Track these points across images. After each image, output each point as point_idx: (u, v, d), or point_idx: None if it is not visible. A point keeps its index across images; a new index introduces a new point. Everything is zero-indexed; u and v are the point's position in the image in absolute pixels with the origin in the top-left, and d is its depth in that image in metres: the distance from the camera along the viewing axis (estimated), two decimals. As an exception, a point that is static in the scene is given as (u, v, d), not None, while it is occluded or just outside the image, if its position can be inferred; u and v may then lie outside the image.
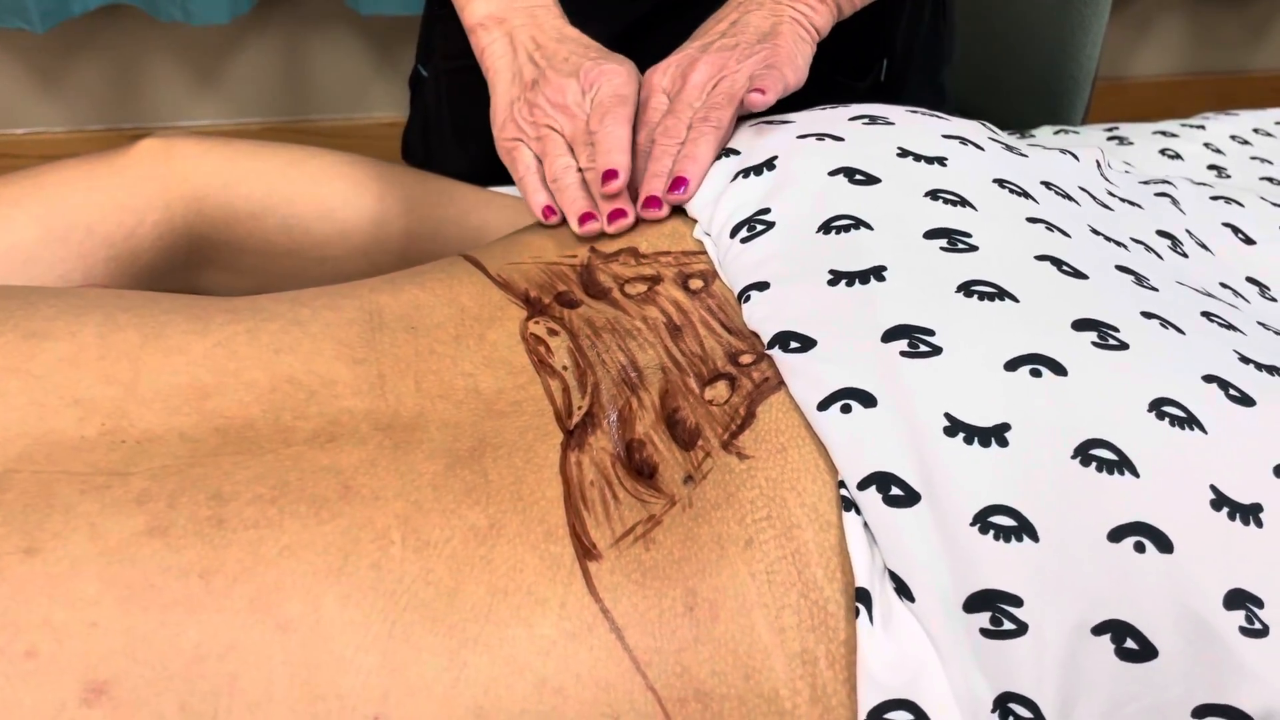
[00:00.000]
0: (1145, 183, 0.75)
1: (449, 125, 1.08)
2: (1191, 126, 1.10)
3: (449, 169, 0.92)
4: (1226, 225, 0.73)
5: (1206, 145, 1.07)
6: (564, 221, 0.67)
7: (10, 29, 1.70)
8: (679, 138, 0.67)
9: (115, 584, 0.44)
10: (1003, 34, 1.35)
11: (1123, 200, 0.69)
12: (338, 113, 2.01)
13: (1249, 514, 0.46)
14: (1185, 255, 0.66)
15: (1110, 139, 1.09)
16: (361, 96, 1.99)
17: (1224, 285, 0.65)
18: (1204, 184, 0.78)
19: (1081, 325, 0.52)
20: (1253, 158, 1.06)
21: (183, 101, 1.93)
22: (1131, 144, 1.07)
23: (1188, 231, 0.69)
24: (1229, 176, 1.03)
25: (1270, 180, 1.02)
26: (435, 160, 1.08)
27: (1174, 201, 0.73)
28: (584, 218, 0.65)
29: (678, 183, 0.64)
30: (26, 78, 1.87)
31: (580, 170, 0.69)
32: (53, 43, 1.83)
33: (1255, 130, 1.10)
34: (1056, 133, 1.13)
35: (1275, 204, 0.78)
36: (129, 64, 1.89)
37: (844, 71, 0.94)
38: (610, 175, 0.65)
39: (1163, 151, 1.05)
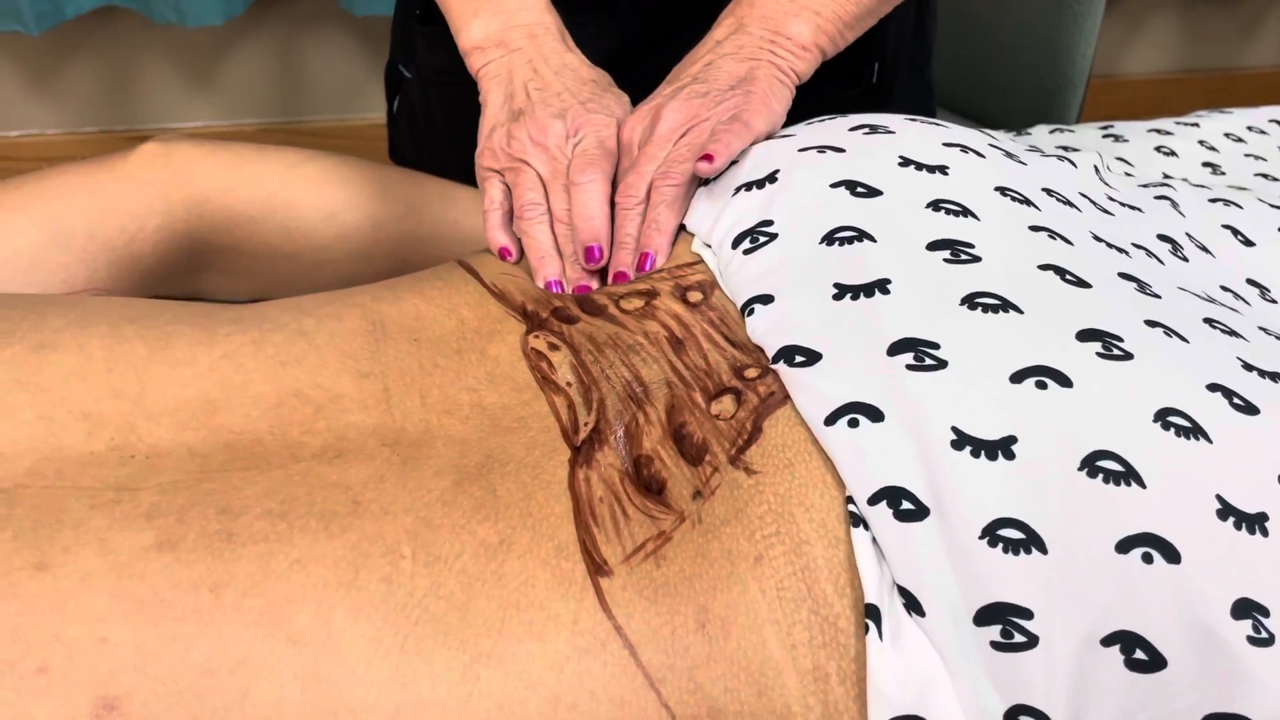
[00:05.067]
0: (1144, 186, 0.75)
1: (443, 136, 1.07)
2: (1186, 124, 1.10)
3: (441, 172, 0.91)
4: (1226, 227, 0.73)
5: (1201, 143, 1.07)
6: (520, 261, 0.67)
7: (5, 32, 1.69)
8: (639, 197, 0.65)
9: (125, 599, 0.44)
10: (997, 33, 1.35)
11: (1122, 205, 0.69)
12: (332, 113, 2.00)
13: (1255, 523, 0.46)
14: (1186, 259, 0.66)
15: (1105, 136, 1.09)
16: (355, 97, 1.99)
17: (1224, 288, 0.65)
18: (1202, 185, 0.78)
19: (1086, 336, 0.52)
20: (1246, 155, 1.06)
21: (177, 103, 1.93)
22: (1127, 141, 1.07)
23: (1188, 235, 0.69)
24: (1224, 173, 1.03)
25: (1264, 176, 1.02)
26: (426, 164, 1.07)
27: (1173, 204, 0.73)
28: (549, 285, 0.65)
29: (644, 259, 0.64)
30: (21, 80, 1.86)
31: (549, 212, 0.67)
32: (47, 45, 1.82)
33: (1249, 128, 1.10)
34: (1052, 131, 1.12)
35: (1273, 205, 0.78)
36: (123, 66, 1.88)
37: (836, 82, 0.93)
38: (592, 253, 0.65)
39: (1158, 149, 1.05)
